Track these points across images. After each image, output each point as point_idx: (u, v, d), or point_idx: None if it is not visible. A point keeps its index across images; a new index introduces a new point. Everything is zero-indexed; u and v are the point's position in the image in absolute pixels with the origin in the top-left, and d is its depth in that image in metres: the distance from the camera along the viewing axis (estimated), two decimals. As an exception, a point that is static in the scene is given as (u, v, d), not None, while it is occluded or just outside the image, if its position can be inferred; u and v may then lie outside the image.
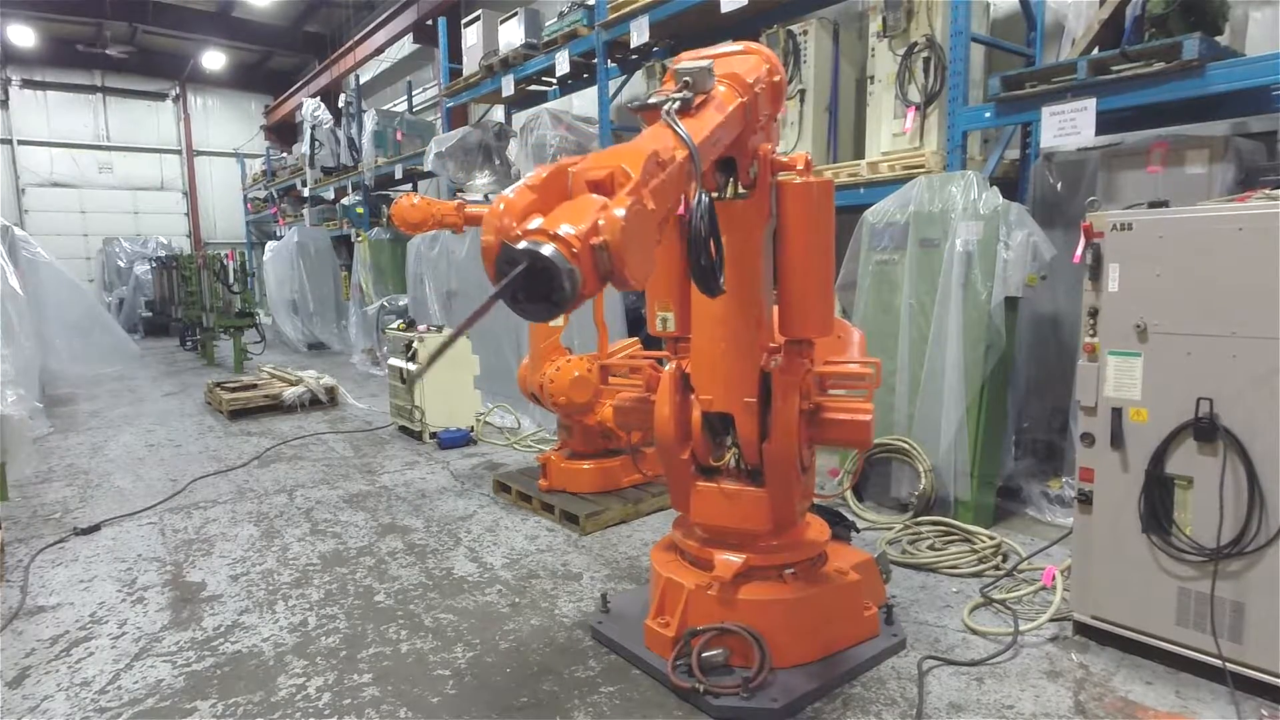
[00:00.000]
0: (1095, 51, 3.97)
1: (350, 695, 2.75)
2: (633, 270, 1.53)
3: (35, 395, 5.61)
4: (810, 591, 2.81)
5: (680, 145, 1.89)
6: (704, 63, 2.20)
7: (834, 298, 2.91)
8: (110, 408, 8.48)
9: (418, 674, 2.89)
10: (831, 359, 2.98)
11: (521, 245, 1.45)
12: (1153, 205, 2.76)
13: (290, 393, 7.95)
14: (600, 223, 1.49)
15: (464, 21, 9.07)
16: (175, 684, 2.86)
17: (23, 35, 17.41)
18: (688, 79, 2.15)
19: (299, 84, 17.91)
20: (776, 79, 2.55)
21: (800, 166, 2.73)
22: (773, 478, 2.75)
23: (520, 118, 9.38)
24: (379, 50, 13.67)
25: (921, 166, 4.58)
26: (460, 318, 7.80)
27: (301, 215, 15.43)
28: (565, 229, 1.46)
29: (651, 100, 2.12)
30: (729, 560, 2.77)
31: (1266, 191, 2.67)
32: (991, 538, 3.78)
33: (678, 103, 2.07)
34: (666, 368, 2.96)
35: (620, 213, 1.50)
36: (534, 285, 1.44)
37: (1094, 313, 2.83)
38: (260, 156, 19.24)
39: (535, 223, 1.51)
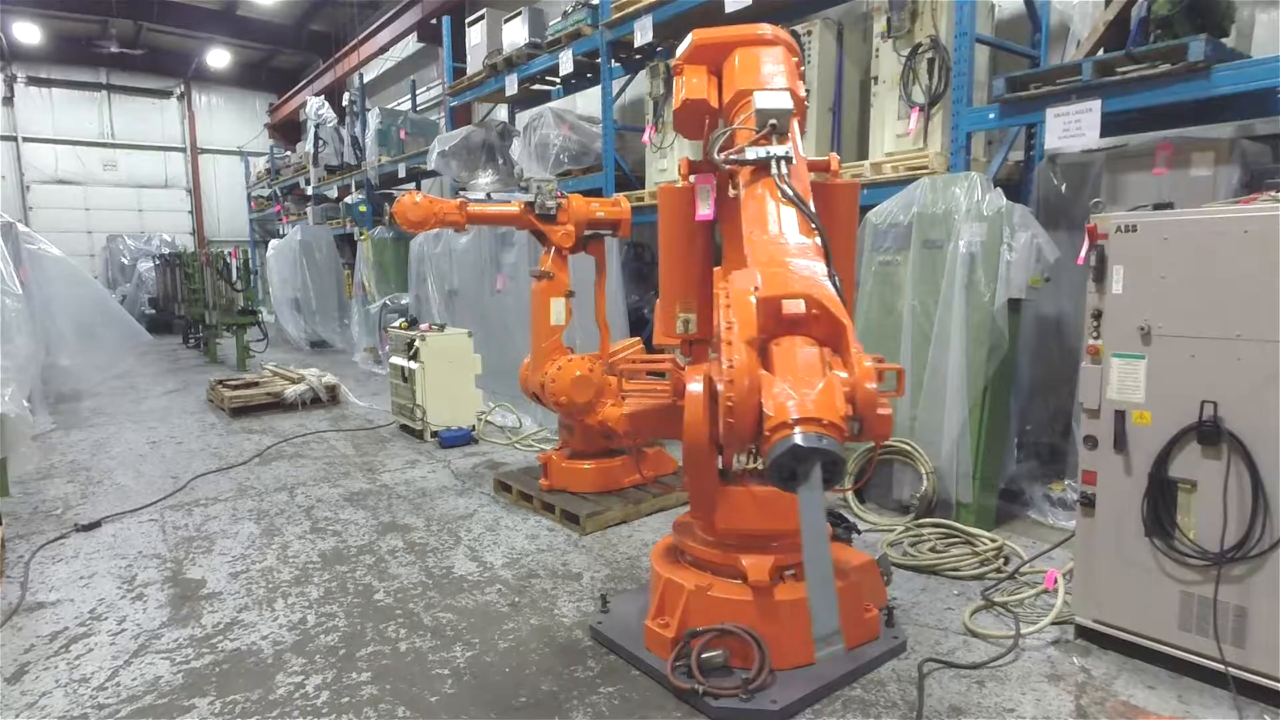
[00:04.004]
0: (1100, 53, 3.95)
1: (348, 694, 2.75)
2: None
3: (27, 394, 5.60)
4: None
5: (812, 230, 1.87)
6: (784, 101, 2.06)
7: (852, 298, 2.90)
8: (112, 404, 8.48)
9: (416, 673, 2.88)
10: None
11: (806, 443, 1.54)
12: (1157, 207, 2.75)
13: (292, 391, 7.95)
14: (856, 398, 1.66)
15: (468, 21, 9.07)
16: (174, 681, 2.85)
17: (28, 32, 17.45)
18: (774, 121, 2.02)
19: (303, 82, 17.95)
20: (803, 70, 2.52)
21: (834, 168, 2.71)
22: None
23: (524, 117, 9.37)
24: (383, 49, 13.69)
25: (925, 167, 4.57)
26: (461, 316, 7.80)
27: (305, 213, 15.42)
28: (821, 408, 1.58)
29: (750, 156, 2.00)
30: (759, 562, 2.74)
31: (1272, 194, 2.66)
32: (993, 540, 3.77)
33: (784, 163, 1.95)
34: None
35: (872, 386, 1.67)
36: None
37: (1098, 315, 2.81)
38: (264, 155, 19.28)
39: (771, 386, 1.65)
